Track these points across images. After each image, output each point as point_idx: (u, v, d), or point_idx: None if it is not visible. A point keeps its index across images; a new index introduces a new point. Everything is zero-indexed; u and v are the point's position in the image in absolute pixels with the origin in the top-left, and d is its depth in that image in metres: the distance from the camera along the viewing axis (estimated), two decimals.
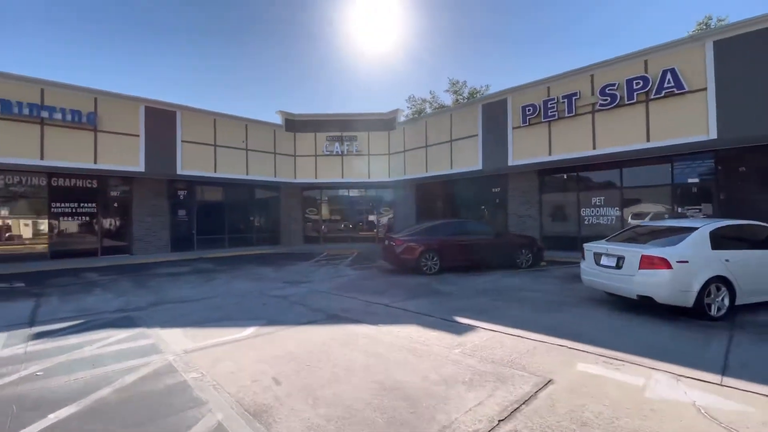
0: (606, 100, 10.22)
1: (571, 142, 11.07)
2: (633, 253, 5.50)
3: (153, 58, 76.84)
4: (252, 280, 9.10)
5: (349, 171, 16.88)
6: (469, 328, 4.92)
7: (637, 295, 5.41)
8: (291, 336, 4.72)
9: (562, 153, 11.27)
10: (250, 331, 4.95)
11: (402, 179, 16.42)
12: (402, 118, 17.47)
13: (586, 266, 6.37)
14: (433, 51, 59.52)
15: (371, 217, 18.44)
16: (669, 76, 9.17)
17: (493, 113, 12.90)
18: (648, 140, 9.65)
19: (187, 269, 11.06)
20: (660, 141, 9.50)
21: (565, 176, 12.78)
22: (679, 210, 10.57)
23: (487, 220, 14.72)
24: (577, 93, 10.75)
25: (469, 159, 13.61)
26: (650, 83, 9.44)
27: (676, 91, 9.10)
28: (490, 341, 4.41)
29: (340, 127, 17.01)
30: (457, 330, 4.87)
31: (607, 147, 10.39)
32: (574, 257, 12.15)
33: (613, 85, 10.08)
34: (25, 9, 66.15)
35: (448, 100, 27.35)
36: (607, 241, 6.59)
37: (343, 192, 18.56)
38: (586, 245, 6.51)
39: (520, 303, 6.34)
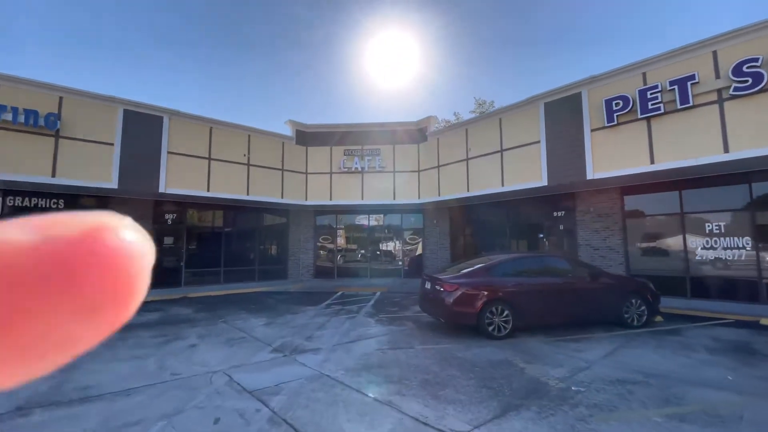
0: (745, 82, 7.09)
1: (686, 145, 7.87)
2: None
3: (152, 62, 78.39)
4: (228, 343, 6.02)
5: (370, 191, 13.97)
6: None
7: None
8: None
9: (672, 160, 8.04)
10: None
11: (435, 200, 13.37)
12: (435, 128, 14.67)
13: None
14: (453, 80, 58.10)
15: (396, 247, 15.28)
16: None
17: (562, 113, 9.89)
18: None
19: (154, 318, 8.10)
20: None
21: (663, 193, 9.45)
22: None
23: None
24: (693, 76, 7.68)
25: (529, 173, 10.50)
26: None
27: None
28: None
29: (360, 140, 14.31)
30: None
31: (750, 149, 7.14)
32: (693, 308, 8.56)
33: (755, 60, 6.98)
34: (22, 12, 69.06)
35: None
36: None
37: (362, 217, 15.57)
38: None
39: None
